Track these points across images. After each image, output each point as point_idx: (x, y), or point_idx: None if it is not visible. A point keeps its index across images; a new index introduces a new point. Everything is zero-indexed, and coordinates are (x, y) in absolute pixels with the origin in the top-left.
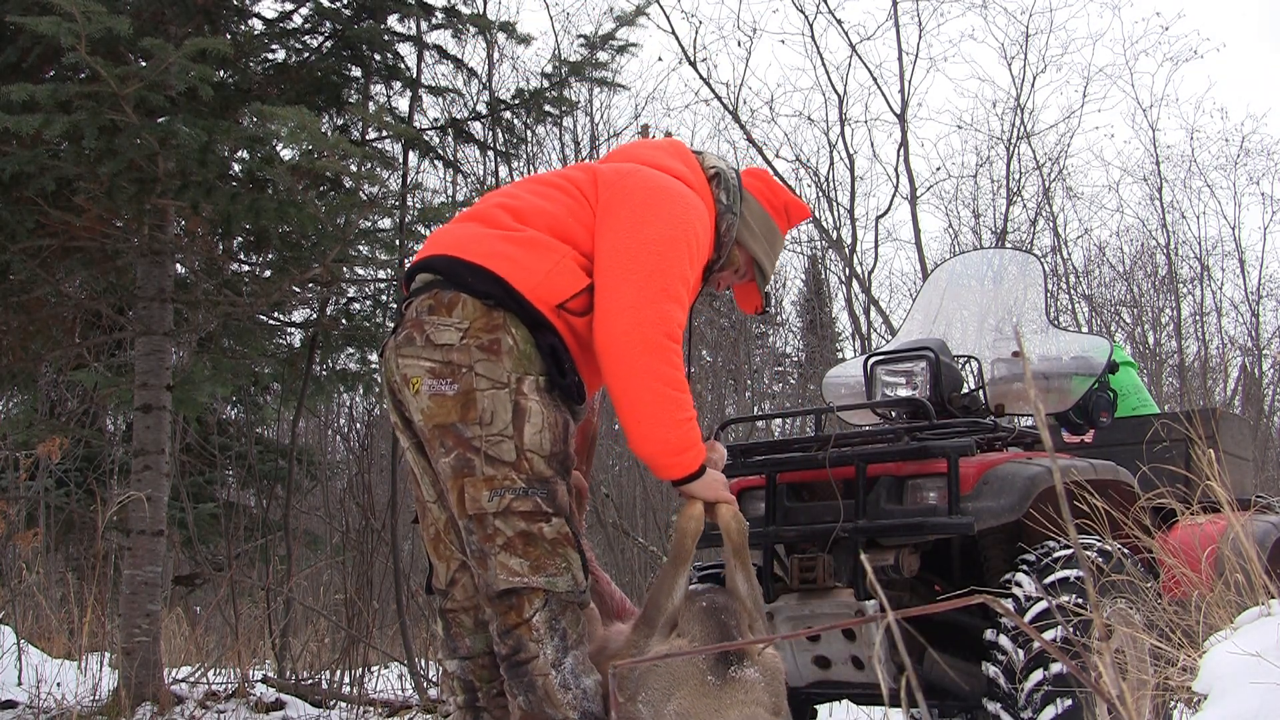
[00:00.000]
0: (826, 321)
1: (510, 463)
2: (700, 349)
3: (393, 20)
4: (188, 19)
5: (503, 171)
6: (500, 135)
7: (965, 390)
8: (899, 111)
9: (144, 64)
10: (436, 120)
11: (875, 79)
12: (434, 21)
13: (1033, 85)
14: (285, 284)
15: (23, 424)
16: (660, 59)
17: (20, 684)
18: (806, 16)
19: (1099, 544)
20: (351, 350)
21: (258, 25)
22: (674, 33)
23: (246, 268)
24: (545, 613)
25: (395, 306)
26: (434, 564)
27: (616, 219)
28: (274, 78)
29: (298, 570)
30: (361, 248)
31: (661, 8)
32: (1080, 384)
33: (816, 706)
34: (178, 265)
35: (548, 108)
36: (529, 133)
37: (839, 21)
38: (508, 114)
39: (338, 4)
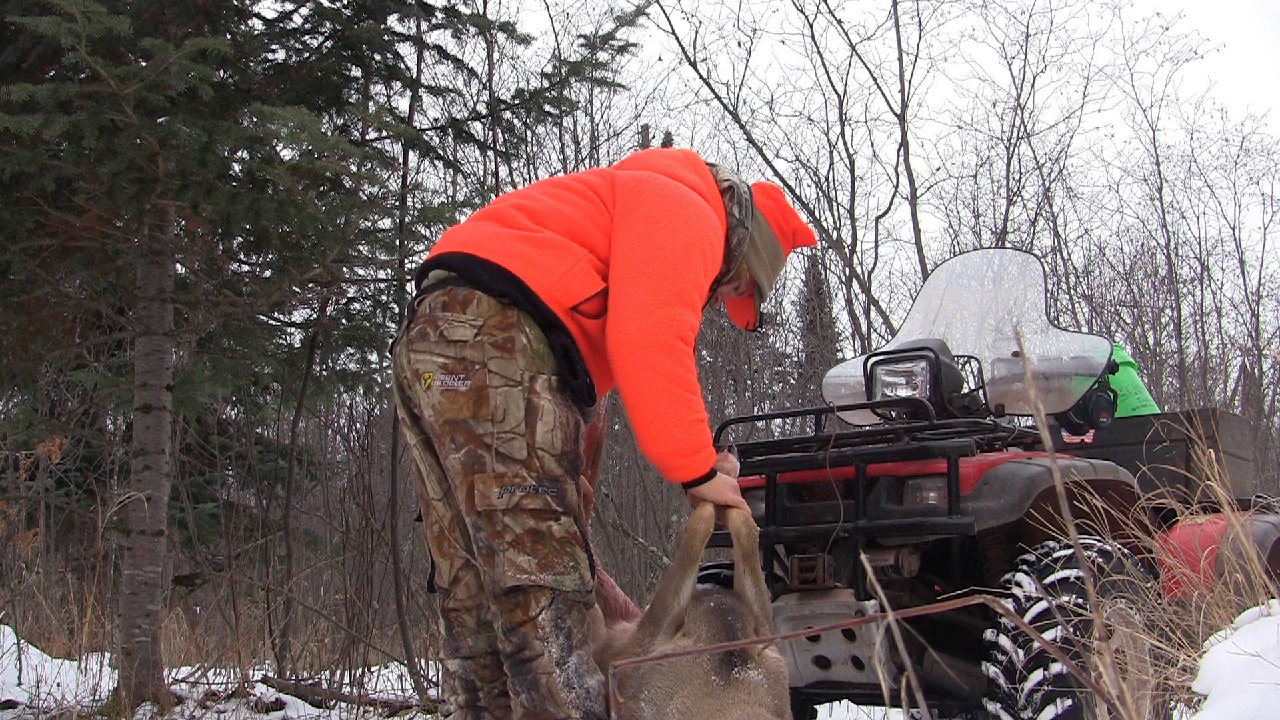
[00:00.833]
0: (826, 321)
1: (521, 460)
2: (700, 349)
3: (393, 20)
4: (188, 19)
5: (503, 172)
6: (500, 135)
7: (965, 390)
8: (899, 111)
9: (144, 64)
10: (436, 120)
11: (875, 79)
12: (434, 21)
13: (1033, 85)
14: (285, 284)
15: (23, 424)
16: (660, 59)
17: (20, 684)
18: (806, 16)
19: (1099, 544)
20: (351, 350)
21: (258, 25)
22: (674, 33)
23: (246, 268)
24: (551, 611)
25: (395, 307)
26: (436, 562)
27: (633, 223)
28: (274, 78)
29: (298, 570)
30: (361, 248)
31: (661, 8)
32: (1080, 384)
33: (816, 707)
34: (178, 265)
35: (548, 108)
36: (529, 133)
37: (839, 21)
38: (508, 114)
39: (338, 4)
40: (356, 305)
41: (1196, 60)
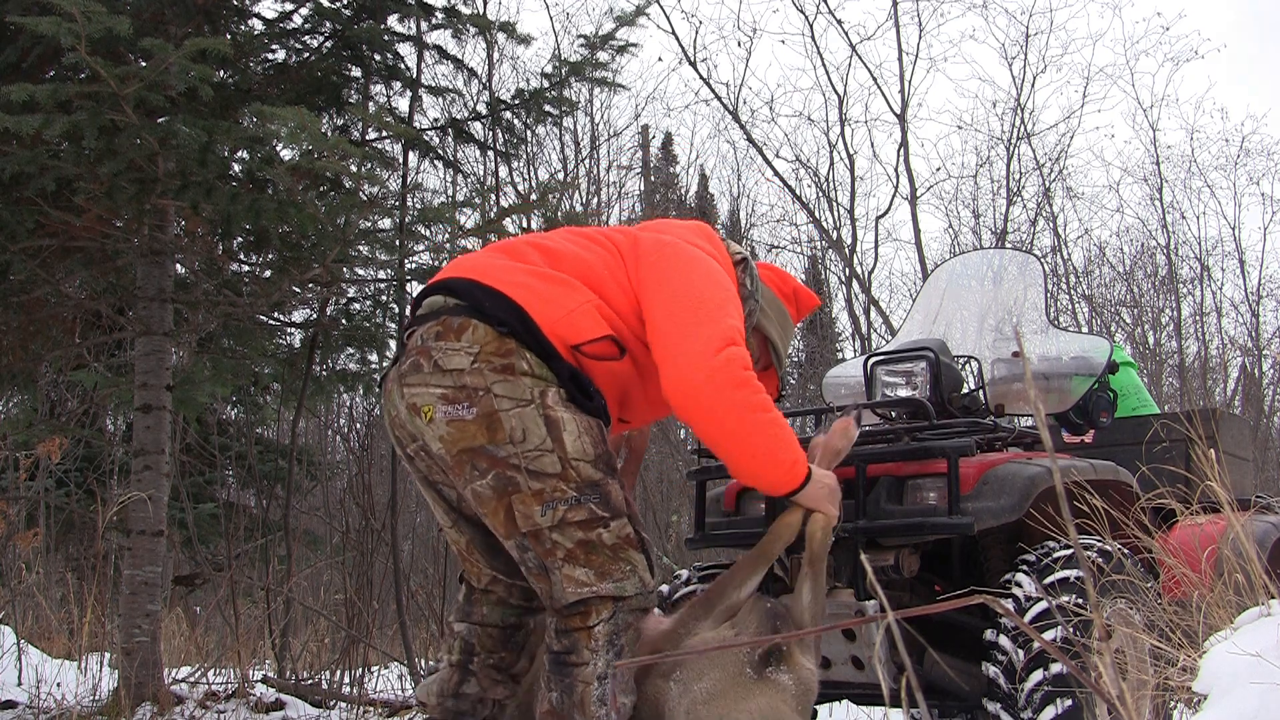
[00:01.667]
0: (826, 321)
1: (557, 474)
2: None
3: (393, 20)
4: (188, 19)
5: (503, 172)
6: (500, 135)
7: (965, 390)
8: (899, 112)
9: (144, 64)
10: (436, 120)
11: (875, 79)
12: (434, 21)
13: (1033, 85)
14: (285, 284)
15: (23, 424)
16: (660, 59)
17: (20, 684)
18: (806, 16)
19: (1099, 544)
20: (351, 350)
21: (258, 25)
22: (674, 33)
23: (246, 268)
24: (610, 624)
25: (395, 307)
26: (465, 573)
27: (667, 278)
28: (274, 78)
29: (298, 570)
30: (361, 248)
31: (661, 8)
32: (1080, 384)
33: (816, 707)
34: (178, 265)
35: (548, 108)
36: (529, 133)
37: (839, 21)
38: (508, 114)
39: (338, 4)
40: (356, 305)
41: (1197, 60)
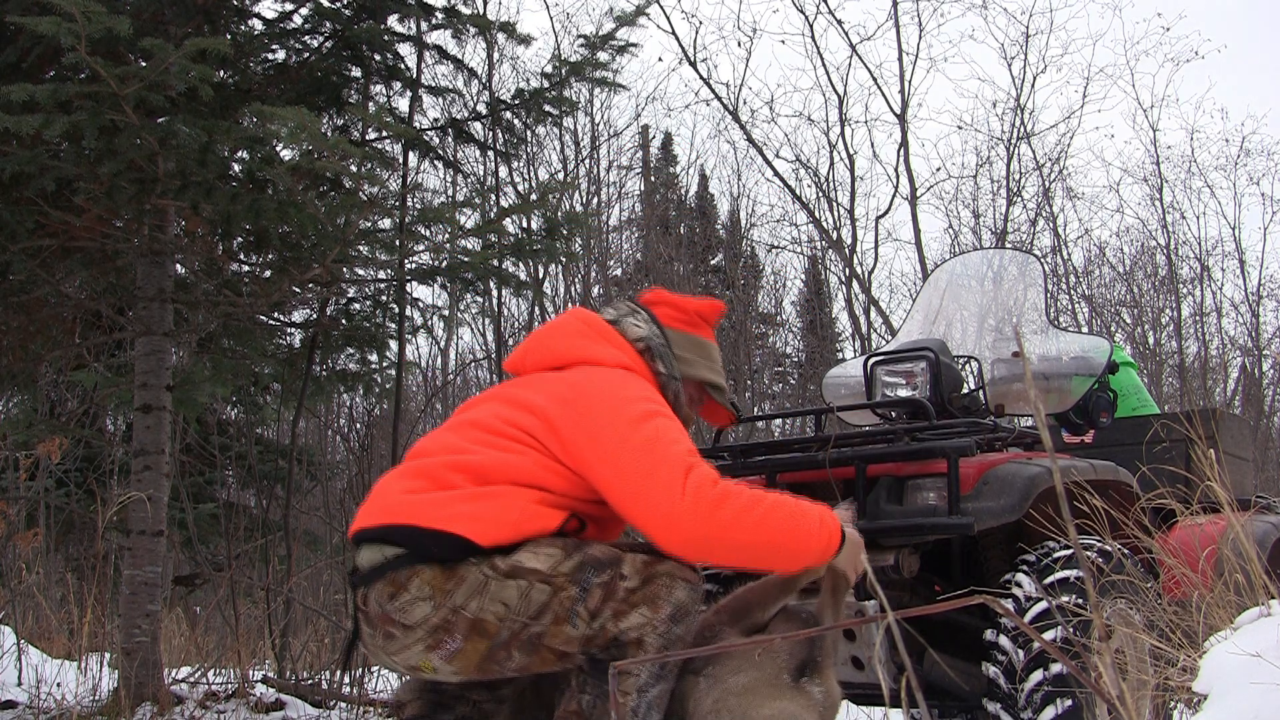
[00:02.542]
0: (826, 322)
1: (551, 595)
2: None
3: (393, 20)
4: (188, 19)
5: (503, 172)
6: (500, 135)
7: (965, 390)
8: (899, 112)
9: (144, 64)
10: (436, 120)
11: (875, 79)
12: (434, 21)
13: (1033, 85)
14: (285, 284)
15: (23, 424)
16: (660, 59)
17: (20, 684)
18: (806, 17)
19: (1099, 544)
20: (351, 350)
21: (258, 25)
22: (674, 33)
23: (246, 268)
24: (663, 638)
25: (395, 307)
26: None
27: (597, 443)
28: (274, 78)
29: (298, 570)
30: (361, 248)
31: (662, 8)
32: (1080, 384)
33: None
34: (178, 265)
35: (548, 108)
36: (529, 133)
37: (839, 22)
38: (508, 114)
39: (338, 4)
40: (356, 305)
41: (1197, 61)
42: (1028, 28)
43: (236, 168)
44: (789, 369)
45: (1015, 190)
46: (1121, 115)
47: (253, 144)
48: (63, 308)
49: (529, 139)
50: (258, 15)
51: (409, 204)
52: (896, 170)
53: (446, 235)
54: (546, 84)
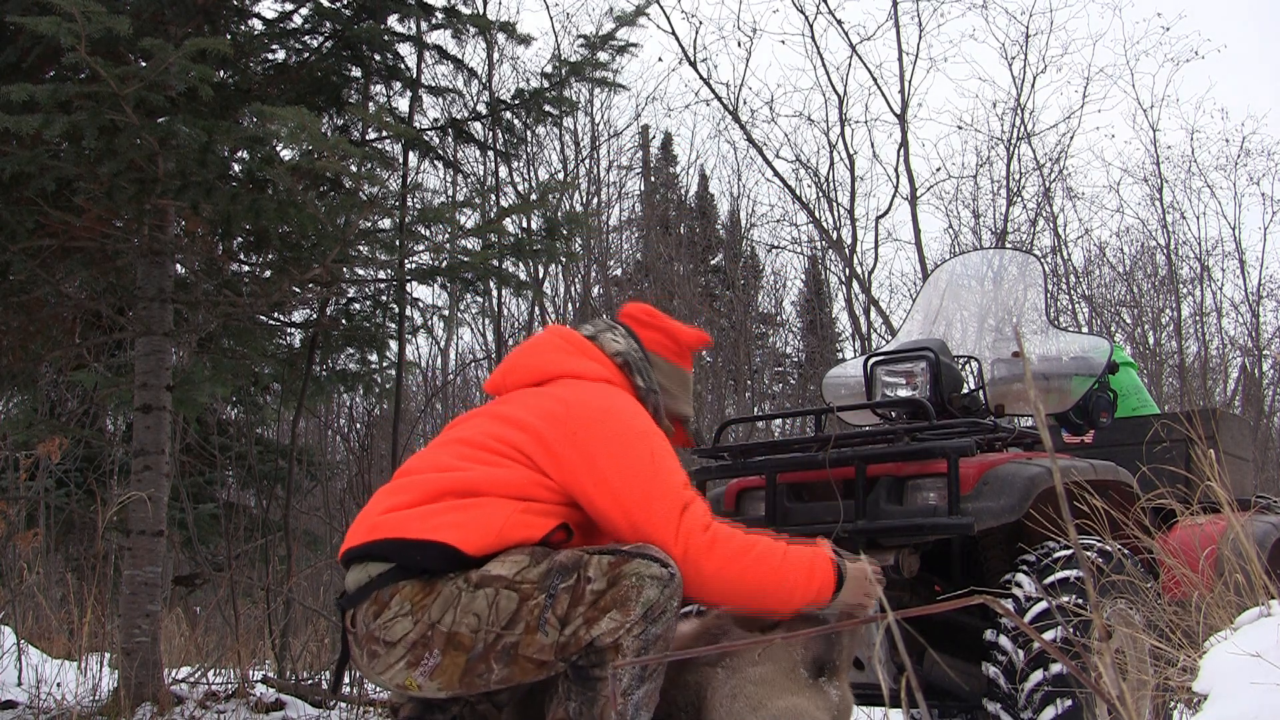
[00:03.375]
0: (826, 322)
1: (519, 603)
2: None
3: (393, 20)
4: (188, 19)
5: (503, 172)
6: (500, 135)
7: (965, 390)
8: (899, 112)
9: (144, 64)
10: (436, 120)
11: (875, 79)
12: (434, 21)
13: (1033, 85)
14: (285, 284)
15: (23, 424)
16: (660, 59)
17: (20, 684)
18: (806, 17)
19: (1099, 544)
20: (351, 350)
21: (258, 25)
22: (674, 33)
23: (246, 268)
24: (639, 640)
25: (395, 307)
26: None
27: (593, 467)
28: (274, 78)
29: (298, 570)
30: (361, 248)
31: (661, 8)
32: (1080, 384)
33: None
34: (178, 265)
35: (548, 108)
36: (529, 133)
37: (839, 22)
38: (508, 114)
39: (338, 4)
40: (356, 305)
41: (1197, 61)
42: (1028, 28)
43: (236, 168)
44: (789, 369)
45: (1015, 190)
46: (1121, 115)
47: (253, 144)
48: (63, 308)
49: (529, 139)
50: (258, 15)
51: (409, 204)
52: (896, 170)
53: (446, 235)
54: (546, 84)
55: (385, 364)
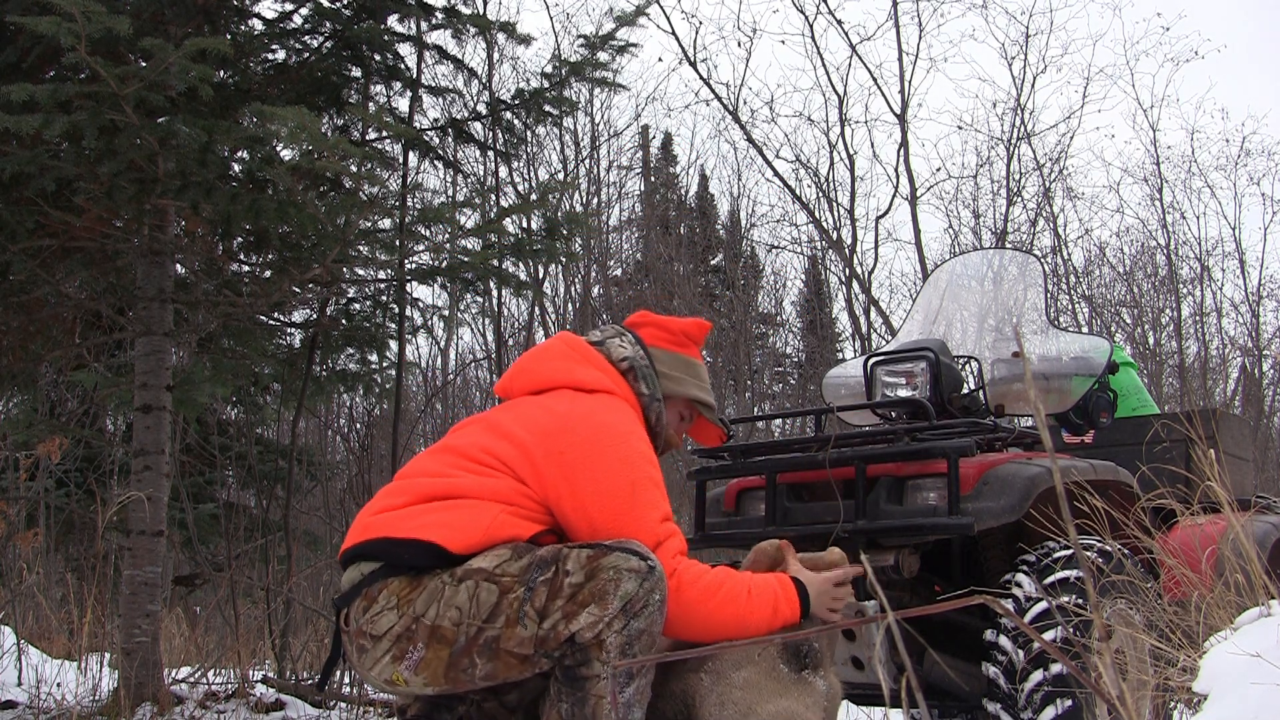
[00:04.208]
0: (826, 322)
1: (499, 596)
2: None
3: (393, 20)
4: (188, 19)
5: (503, 172)
6: (500, 135)
7: (965, 391)
8: (899, 112)
9: (144, 64)
10: (436, 120)
11: (875, 79)
12: (434, 21)
13: (1033, 86)
14: (285, 284)
15: (23, 424)
16: (660, 59)
17: (20, 684)
18: (806, 17)
19: (1099, 544)
20: (351, 350)
21: (258, 25)
22: (674, 33)
23: (246, 268)
24: (622, 635)
25: (395, 307)
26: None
27: (574, 487)
28: (274, 78)
29: (298, 570)
30: (361, 248)
31: (662, 8)
32: (1080, 384)
33: None
34: (178, 265)
35: (548, 108)
36: (529, 133)
37: (839, 22)
38: (508, 114)
39: (338, 4)
40: (356, 305)
41: (1197, 61)
42: (1028, 28)
43: (236, 168)
44: (789, 369)
45: (1015, 190)
46: (1121, 115)
47: (253, 144)
48: (63, 308)
49: (529, 139)
50: (258, 15)
51: (409, 204)
52: (896, 170)
53: (446, 235)
54: (546, 84)
55: (385, 364)
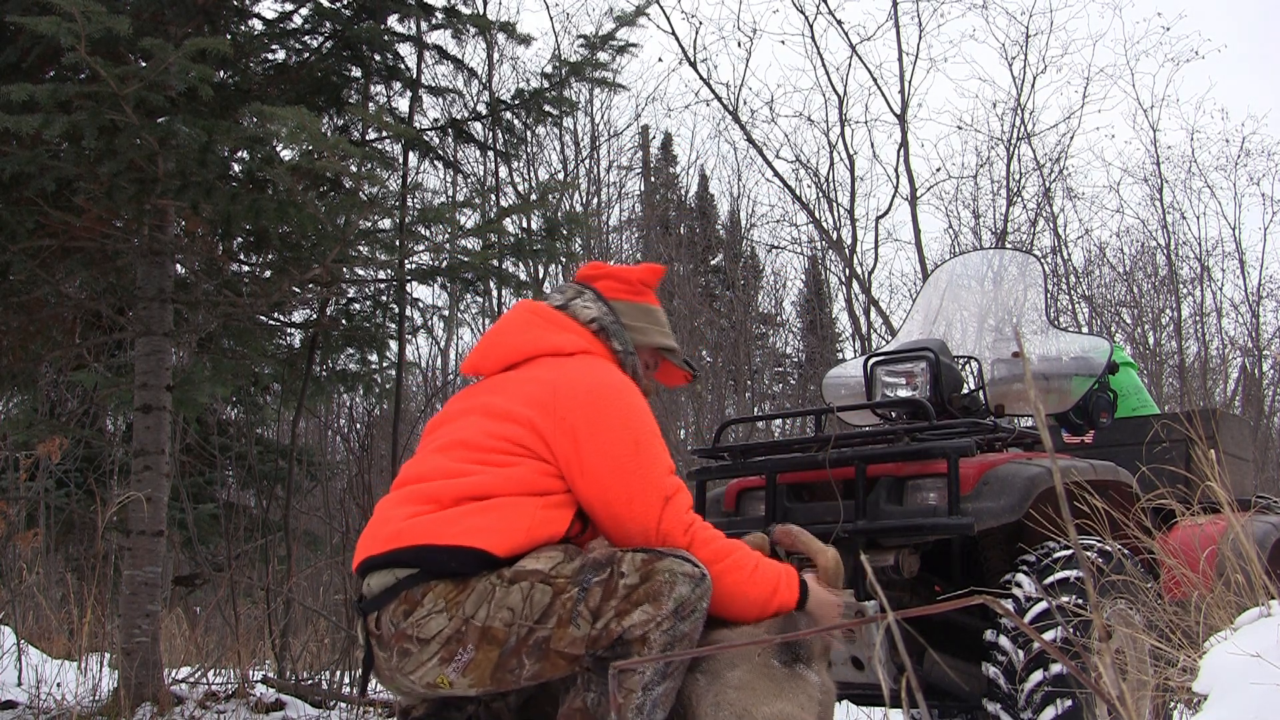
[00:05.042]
0: (826, 322)
1: (552, 597)
2: (700, 349)
3: (393, 20)
4: (188, 19)
5: (503, 172)
6: (500, 135)
7: (965, 391)
8: (899, 112)
9: (144, 64)
10: (436, 120)
11: (875, 79)
12: (434, 21)
13: (1033, 86)
14: (285, 284)
15: (23, 424)
16: (660, 59)
17: (20, 684)
18: (806, 17)
19: (1099, 544)
20: (351, 350)
21: (258, 25)
22: (674, 33)
23: (246, 268)
24: (667, 634)
25: (395, 307)
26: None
27: (580, 452)
28: (274, 78)
29: (298, 570)
30: (361, 248)
31: (661, 8)
32: (1080, 384)
33: None
34: (178, 265)
35: (548, 108)
36: (529, 133)
37: (839, 22)
38: (508, 114)
39: (338, 4)
40: (356, 305)
41: (1197, 61)
42: (1028, 28)
43: (236, 168)
44: (789, 369)
45: (1015, 190)
46: (1121, 115)
47: (253, 144)
48: (63, 308)
49: (529, 139)
50: (258, 15)
51: (409, 204)
52: (896, 170)
53: (446, 235)
54: (546, 84)
55: (385, 364)
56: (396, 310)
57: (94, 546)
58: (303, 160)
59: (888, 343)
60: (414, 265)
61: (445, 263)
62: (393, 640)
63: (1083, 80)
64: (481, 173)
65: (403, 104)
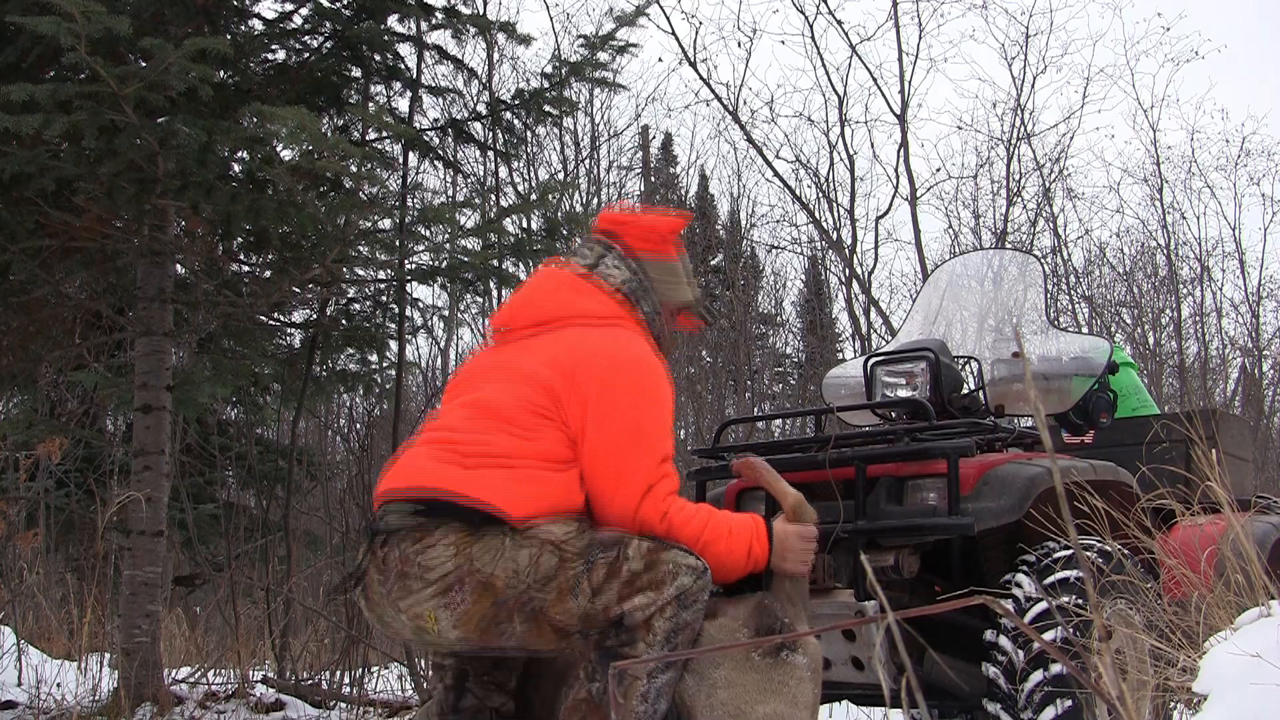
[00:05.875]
0: (826, 322)
1: (557, 566)
2: (700, 349)
3: (393, 20)
4: (188, 19)
5: (503, 172)
6: (500, 135)
7: (965, 391)
8: (899, 112)
9: (144, 64)
10: (436, 120)
11: (875, 79)
12: (434, 21)
13: (1033, 86)
14: (285, 284)
15: (23, 424)
16: (660, 59)
17: (20, 684)
18: (806, 17)
19: (1099, 545)
20: (351, 351)
21: (258, 25)
22: (674, 33)
23: (246, 268)
24: (671, 622)
25: (395, 307)
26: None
27: (586, 423)
28: (274, 78)
29: (298, 570)
30: (361, 248)
31: (661, 8)
32: (1080, 385)
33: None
34: (178, 266)
35: (548, 108)
36: (529, 133)
37: (839, 22)
38: (508, 114)
39: (338, 4)
40: (356, 306)
41: (1197, 61)
42: (1028, 28)
43: (236, 168)
44: (789, 369)
45: (1015, 190)
46: (1121, 115)
47: (253, 144)
48: (63, 308)
49: (529, 139)
50: (258, 15)
51: (409, 204)
52: (896, 170)
53: (446, 235)
54: (546, 84)
55: (385, 364)
56: (396, 310)
57: (94, 546)
58: (303, 160)
59: (888, 343)
60: (414, 265)
61: (445, 263)
62: (397, 564)
63: (1083, 80)
64: (481, 173)
65: (403, 104)
